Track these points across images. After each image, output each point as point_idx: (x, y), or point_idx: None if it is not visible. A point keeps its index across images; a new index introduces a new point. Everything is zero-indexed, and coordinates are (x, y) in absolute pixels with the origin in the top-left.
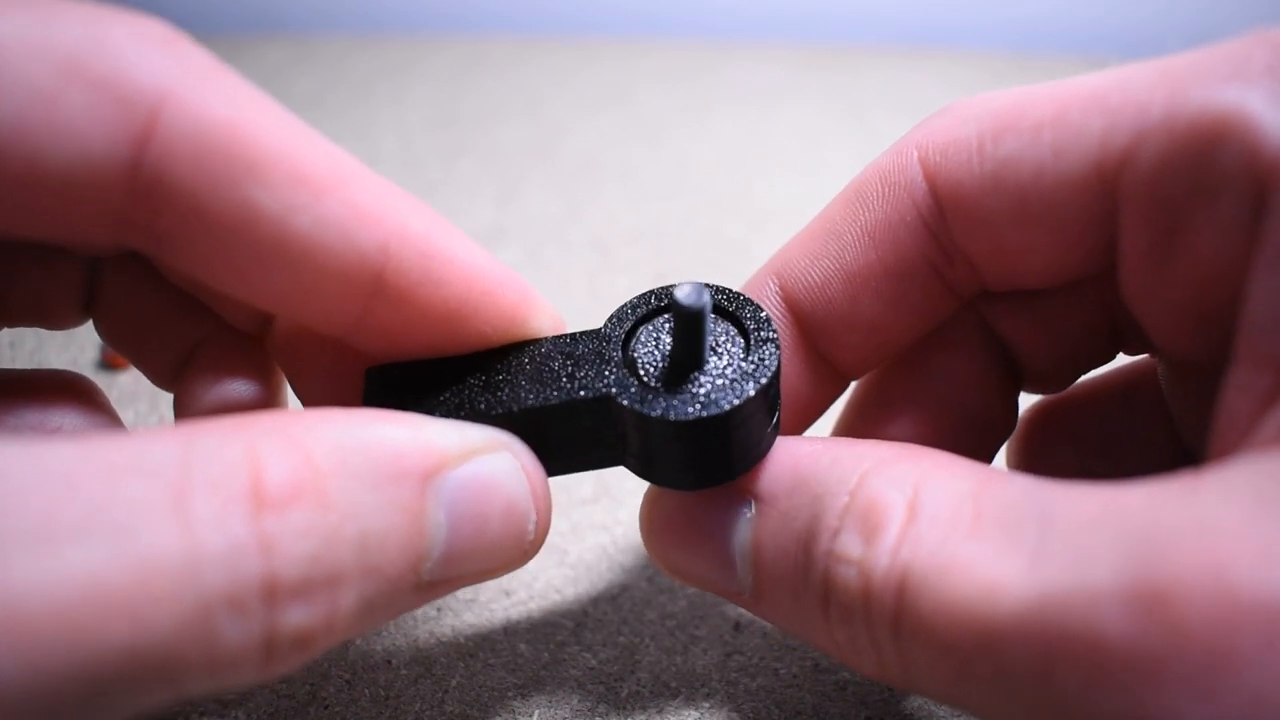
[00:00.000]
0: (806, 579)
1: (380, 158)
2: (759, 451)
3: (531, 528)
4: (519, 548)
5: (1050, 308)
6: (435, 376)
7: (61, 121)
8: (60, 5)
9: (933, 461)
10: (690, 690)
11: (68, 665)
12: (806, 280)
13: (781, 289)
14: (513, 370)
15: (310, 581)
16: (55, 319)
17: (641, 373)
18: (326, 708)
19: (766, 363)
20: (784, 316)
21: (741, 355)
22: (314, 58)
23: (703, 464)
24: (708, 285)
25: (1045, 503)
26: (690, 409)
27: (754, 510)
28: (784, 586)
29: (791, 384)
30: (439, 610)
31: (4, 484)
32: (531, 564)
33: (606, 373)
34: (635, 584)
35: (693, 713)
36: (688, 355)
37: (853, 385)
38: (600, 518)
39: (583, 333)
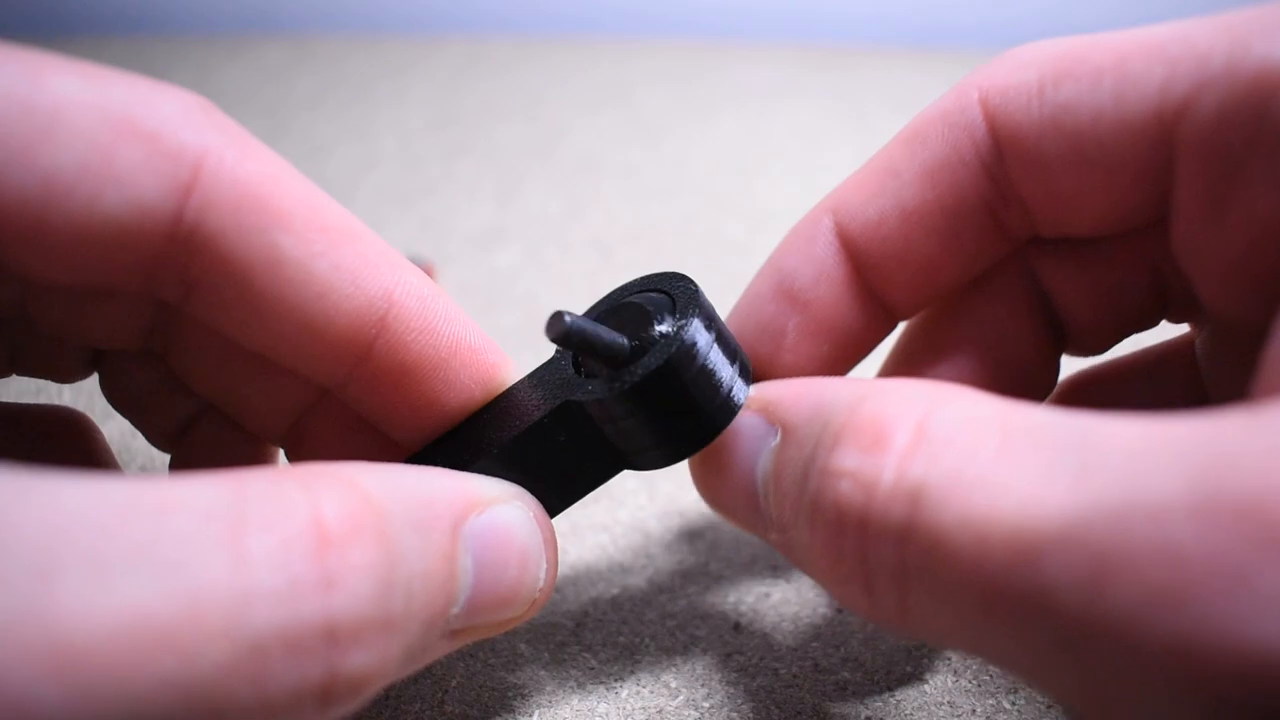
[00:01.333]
0: (800, 502)
1: (380, 158)
2: (730, 403)
3: (543, 576)
4: (530, 596)
5: (1098, 260)
6: (433, 448)
7: (117, 171)
8: (110, 72)
9: (949, 389)
10: (690, 690)
11: (114, 699)
12: (862, 217)
13: (836, 225)
14: (492, 419)
15: (370, 622)
16: (62, 374)
17: (594, 377)
18: None
19: (691, 319)
20: (837, 253)
21: (673, 321)
22: (314, 58)
23: (676, 429)
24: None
25: (1081, 429)
26: (632, 377)
27: (778, 439)
28: (791, 514)
29: (842, 321)
30: None
31: (55, 516)
32: None
33: (562, 387)
34: (635, 584)
35: (693, 713)
36: (604, 350)
37: (900, 329)
38: (600, 518)
39: (541, 366)
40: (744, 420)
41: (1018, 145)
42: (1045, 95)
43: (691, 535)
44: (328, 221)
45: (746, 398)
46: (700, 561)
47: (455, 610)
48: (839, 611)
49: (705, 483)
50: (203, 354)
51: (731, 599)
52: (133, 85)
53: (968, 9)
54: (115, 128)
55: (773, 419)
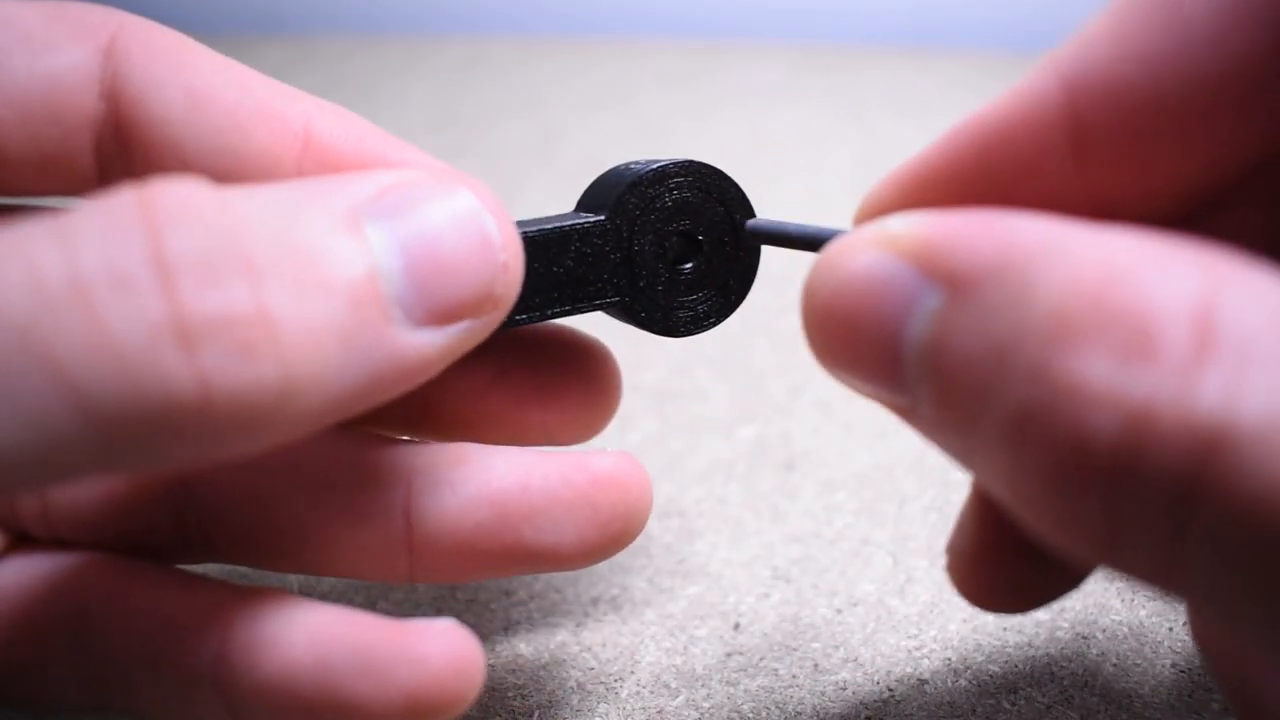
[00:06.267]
0: (993, 403)
1: None
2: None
3: (499, 233)
4: (494, 261)
5: None
6: None
7: (49, 40)
8: None
9: (1231, 262)
10: (690, 690)
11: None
12: (1124, 87)
13: (1070, 98)
14: None
15: (218, 257)
16: None
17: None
18: None
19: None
20: (1057, 142)
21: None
22: (314, 58)
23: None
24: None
25: None
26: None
27: (942, 300)
28: (966, 408)
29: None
30: (439, 611)
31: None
32: None
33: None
34: (635, 584)
35: (693, 713)
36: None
37: None
38: None
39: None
40: (883, 266)
41: None
42: None
43: (691, 535)
44: (235, 65)
45: (889, 231)
46: (700, 561)
47: (392, 285)
48: (838, 612)
49: (829, 343)
50: None
51: (731, 599)
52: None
53: (968, 9)
54: (45, 16)
55: (931, 270)
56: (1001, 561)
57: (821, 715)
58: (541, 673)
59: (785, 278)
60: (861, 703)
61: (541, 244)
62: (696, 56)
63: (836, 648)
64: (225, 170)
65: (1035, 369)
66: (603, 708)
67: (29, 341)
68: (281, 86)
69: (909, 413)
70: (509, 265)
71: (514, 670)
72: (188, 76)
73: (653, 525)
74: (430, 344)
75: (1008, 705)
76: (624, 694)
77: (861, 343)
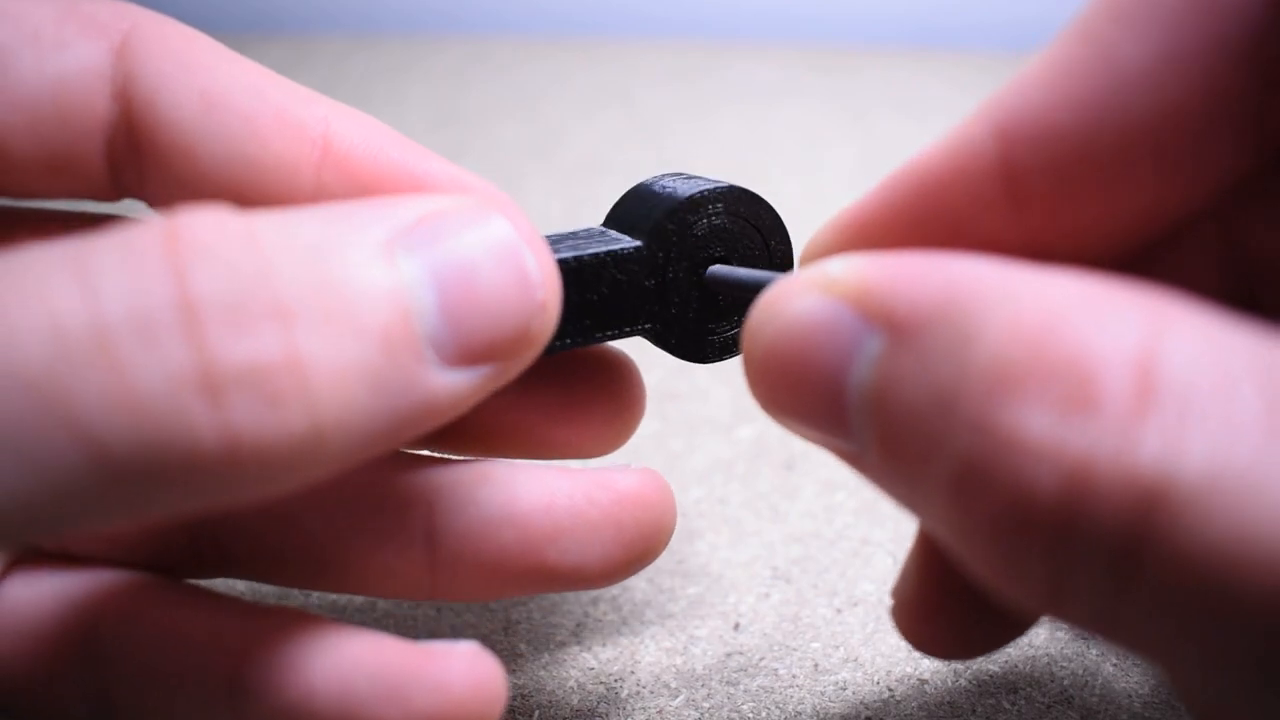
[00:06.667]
0: (936, 457)
1: None
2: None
3: (538, 270)
4: (533, 299)
5: None
6: None
7: (59, 39)
8: None
9: (1173, 306)
10: (690, 690)
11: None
12: (1054, 133)
13: (1003, 144)
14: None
15: (247, 304)
16: None
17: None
18: None
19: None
20: (991, 187)
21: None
22: (314, 58)
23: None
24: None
25: None
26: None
27: (883, 345)
28: (910, 457)
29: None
30: (439, 610)
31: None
32: None
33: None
34: (635, 584)
35: (693, 713)
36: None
37: None
38: None
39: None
40: (823, 309)
41: None
42: None
43: (692, 535)
44: (251, 66)
45: (828, 275)
46: (700, 561)
47: (426, 324)
48: (838, 611)
49: (771, 387)
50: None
51: (731, 599)
52: None
53: (968, 9)
54: (55, 14)
55: (871, 314)
56: (945, 610)
57: (821, 715)
58: (541, 673)
59: None
60: (861, 703)
61: (577, 271)
62: (696, 56)
63: (836, 648)
64: (242, 178)
65: (977, 420)
66: (603, 708)
67: (47, 392)
68: (298, 89)
69: (856, 459)
70: (546, 304)
71: (514, 670)
72: (202, 79)
73: None
74: (461, 384)
75: (1008, 705)
76: (624, 694)
77: (804, 388)
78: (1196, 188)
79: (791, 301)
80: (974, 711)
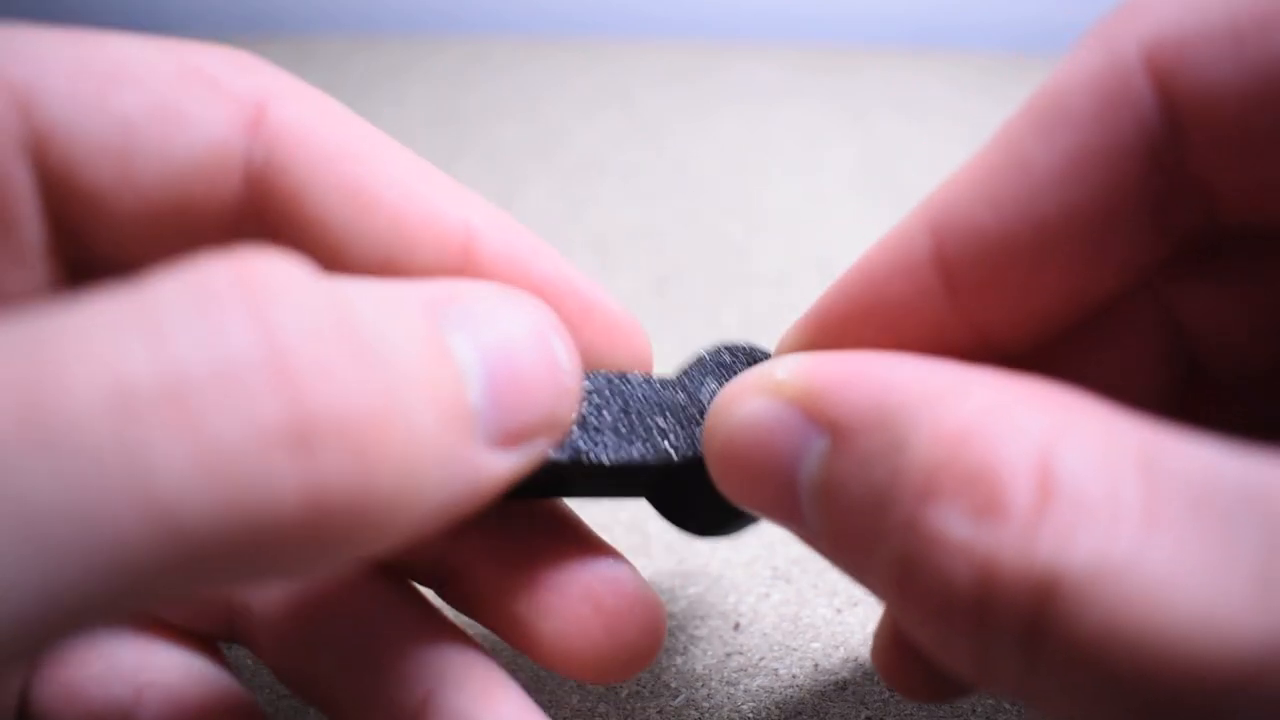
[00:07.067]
0: (877, 549)
1: None
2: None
3: (567, 357)
4: (569, 376)
5: (1274, 270)
6: None
7: (186, 112)
8: (156, 38)
9: (1071, 406)
10: (690, 690)
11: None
12: (978, 229)
13: (936, 241)
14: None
15: (352, 411)
16: None
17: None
18: None
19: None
20: (930, 279)
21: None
22: (314, 58)
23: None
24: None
25: (1254, 477)
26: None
27: (827, 445)
28: (856, 549)
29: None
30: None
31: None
32: None
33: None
34: None
35: (693, 713)
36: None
37: None
38: (600, 518)
39: (664, 380)
40: (769, 412)
41: (1208, 119)
42: (1247, 46)
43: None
44: (396, 155)
45: (775, 378)
46: (700, 561)
47: (473, 398)
48: (838, 611)
49: (731, 476)
50: None
51: (731, 599)
52: (183, 43)
53: (968, 9)
54: (178, 75)
55: (815, 416)
56: (915, 661)
57: (821, 715)
58: (542, 672)
59: (785, 277)
60: (861, 703)
61: (610, 471)
62: (696, 56)
63: (836, 648)
64: (382, 275)
65: (908, 521)
66: (603, 707)
67: (113, 459)
68: (443, 182)
69: (813, 542)
70: (572, 391)
71: (514, 670)
72: (351, 174)
73: (653, 525)
74: (502, 466)
75: (1008, 705)
76: (624, 694)
77: (759, 483)
78: (1114, 272)
79: (743, 404)
80: (974, 711)
